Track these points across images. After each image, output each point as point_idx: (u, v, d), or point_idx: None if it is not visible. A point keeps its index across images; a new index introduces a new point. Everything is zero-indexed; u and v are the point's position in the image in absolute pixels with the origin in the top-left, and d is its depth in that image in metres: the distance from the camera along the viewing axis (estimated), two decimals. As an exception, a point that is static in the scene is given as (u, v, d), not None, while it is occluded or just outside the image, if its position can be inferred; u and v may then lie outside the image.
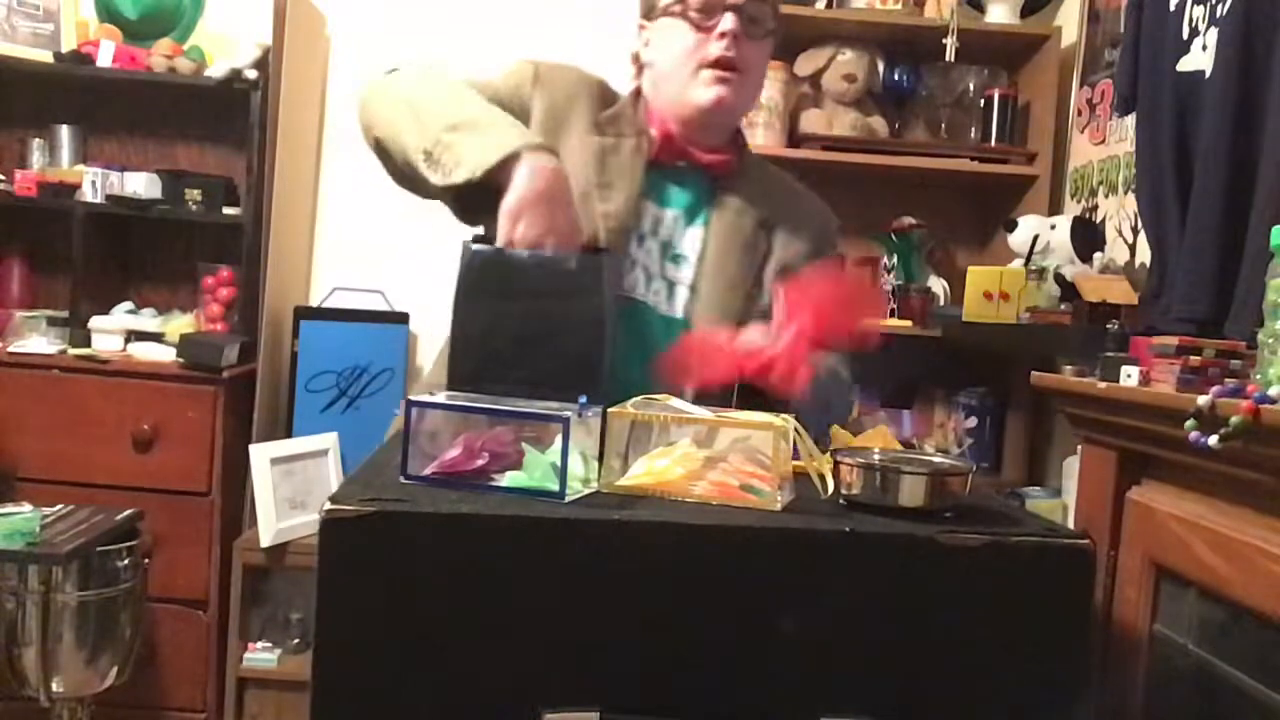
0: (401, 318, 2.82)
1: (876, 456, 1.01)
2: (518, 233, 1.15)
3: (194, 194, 2.66)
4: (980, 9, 2.75)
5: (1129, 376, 1.41)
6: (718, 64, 1.39)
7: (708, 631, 0.87)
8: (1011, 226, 2.45)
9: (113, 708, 2.33)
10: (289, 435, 2.71)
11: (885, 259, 2.77)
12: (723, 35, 1.37)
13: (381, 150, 1.31)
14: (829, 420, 1.32)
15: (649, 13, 1.46)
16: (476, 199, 1.20)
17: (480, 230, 1.24)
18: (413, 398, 1.01)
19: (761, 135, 2.61)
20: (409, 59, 1.41)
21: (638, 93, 1.49)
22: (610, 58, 1.58)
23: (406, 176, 1.28)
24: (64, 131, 2.77)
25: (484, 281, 1.17)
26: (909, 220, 2.79)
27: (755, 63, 1.43)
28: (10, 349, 2.52)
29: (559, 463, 0.93)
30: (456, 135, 1.20)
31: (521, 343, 1.14)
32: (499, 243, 1.16)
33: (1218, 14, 1.70)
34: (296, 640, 2.59)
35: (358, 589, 0.86)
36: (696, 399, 1.15)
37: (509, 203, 1.15)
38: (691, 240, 1.45)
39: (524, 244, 1.15)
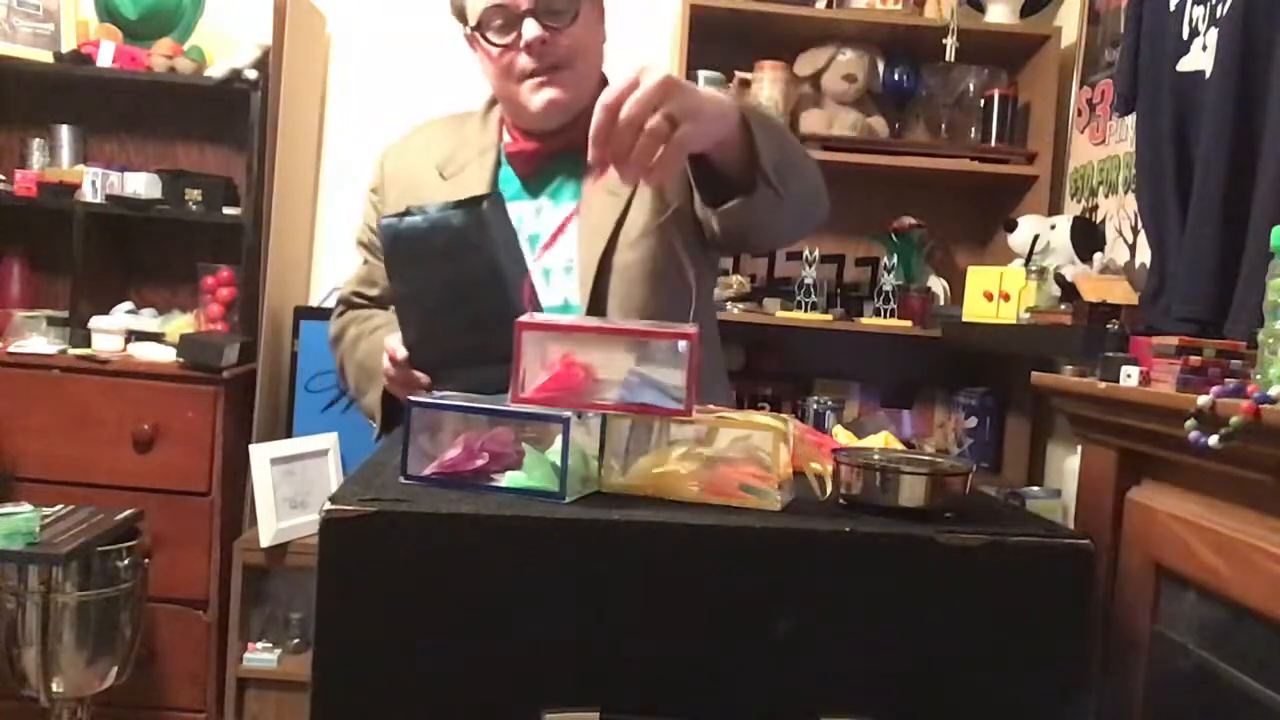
0: (401, 318, 2.82)
1: (876, 456, 1.01)
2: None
3: (194, 194, 2.66)
4: (980, 9, 2.75)
5: (1129, 376, 1.41)
6: (535, 74, 1.36)
7: (708, 631, 0.87)
8: (1011, 226, 2.45)
9: (113, 708, 2.33)
10: (289, 435, 2.71)
11: (885, 259, 2.77)
12: (528, 47, 1.33)
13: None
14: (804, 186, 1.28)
15: (468, 40, 1.42)
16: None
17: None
18: (413, 398, 1.01)
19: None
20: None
21: (493, 100, 1.48)
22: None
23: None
24: (64, 131, 2.77)
25: (401, 256, 1.19)
26: (909, 220, 2.79)
27: (577, 45, 1.37)
28: (10, 349, 2.52)
29: (559, 463, 0.93)
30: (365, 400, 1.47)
31: (447, 314, 1.16)
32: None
33: (1218, 14, 1.70)
34: (296, 640, 2.59)
35: (358, 589, 0.86)
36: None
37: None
38: (562, 216, 1.41)
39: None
